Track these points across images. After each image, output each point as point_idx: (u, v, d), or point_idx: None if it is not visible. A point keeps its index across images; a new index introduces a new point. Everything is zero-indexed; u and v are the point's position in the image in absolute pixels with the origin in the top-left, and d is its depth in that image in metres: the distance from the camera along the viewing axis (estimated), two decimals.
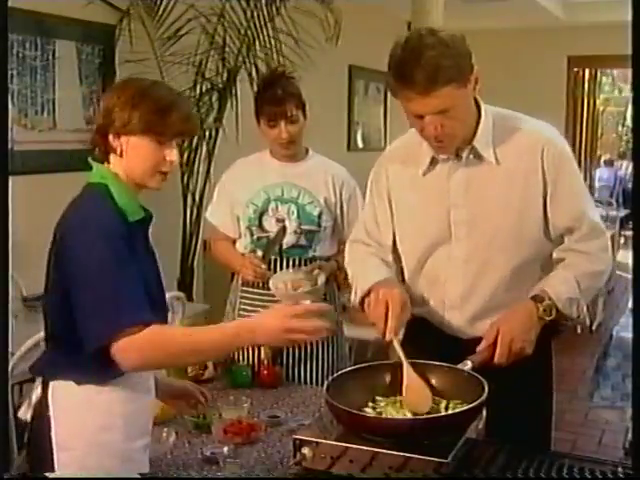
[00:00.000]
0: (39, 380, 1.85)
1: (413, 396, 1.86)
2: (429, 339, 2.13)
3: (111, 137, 1.81)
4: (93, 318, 1.70)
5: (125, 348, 1.68)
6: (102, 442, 1.79)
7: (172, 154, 1.83)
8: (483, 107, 2.07)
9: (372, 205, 2.28)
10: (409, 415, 1.80)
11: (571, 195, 2.06)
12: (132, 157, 1.81)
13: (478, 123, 2.05)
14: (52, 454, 1.77)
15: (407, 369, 1.90)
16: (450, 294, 2.13)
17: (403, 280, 2.23)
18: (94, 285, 1.71)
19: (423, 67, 1.86)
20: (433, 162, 2.10)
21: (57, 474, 1.76)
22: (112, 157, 1.83)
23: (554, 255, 2.12)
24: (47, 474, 1.75)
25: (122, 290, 1.72)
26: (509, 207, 2.04)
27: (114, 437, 1.80)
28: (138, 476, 1.84)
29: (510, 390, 1.96)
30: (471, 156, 2.06)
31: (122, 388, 1.80)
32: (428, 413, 1.80)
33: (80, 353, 1.74)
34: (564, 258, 2.09)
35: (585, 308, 2.07)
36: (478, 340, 2.01)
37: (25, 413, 1.88)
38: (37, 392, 1.84)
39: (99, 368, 1.75)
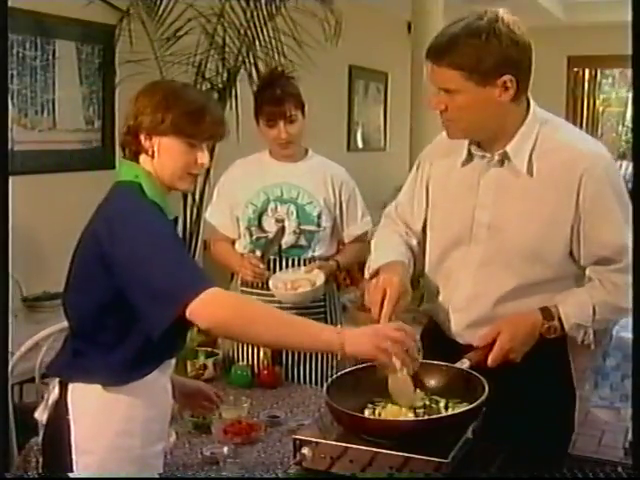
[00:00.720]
0: (55, 381, 1.83)
1: (396, 389, 1.83)
2: (433, 340, 2.12)
3: (142, 137, 1.81)
4: (165, 287, 1.65)
5: (208, 302, 1.62)
6: (121, 447, 1.79)
7: (203, 157, 1.84)
8: (532, 112, 1.98)
9: (411, 189, 2.25)
10: (410, 415, 1.79)
11: (611, 227, 1.94)
12: (163, 158, 1.82)
13: (520, 127, 1.96)
14: (70, 456, 1.76)
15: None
16: (458, 296, 2.10)
17: (420, 271, 2.22)
18: (159, 258, 1.68)
19: (447, 41, 1.86)
20: (470, 155, 2.04)
21: (77, 474, 1.76)
22: (142, 157, 1.84)
23: (587, 273, 2.02)
24: (70, 474, 1.75)
25: (185, 259, 1.72)
26: (533, 221, 1.96)
27: (133, 442, 1.80)
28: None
29: (524, 392, 1.97)
30: (505, 160, 1.99)
31: (143, 392, 1.80)
32: (428, 413, 1.79)
33: (106, 354, 1.75)
34: (592, 279, 2.00)
35: (592, 335, 2.00)
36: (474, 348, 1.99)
37: (41, 414, 1.86)
38: (54, 393, 1.82)
39: (123, 371, 1.75)
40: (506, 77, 1.86)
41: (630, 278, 1.85)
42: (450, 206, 2.10)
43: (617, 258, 1.95)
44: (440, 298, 2.15)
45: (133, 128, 1.82)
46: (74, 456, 1.76)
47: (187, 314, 1.62)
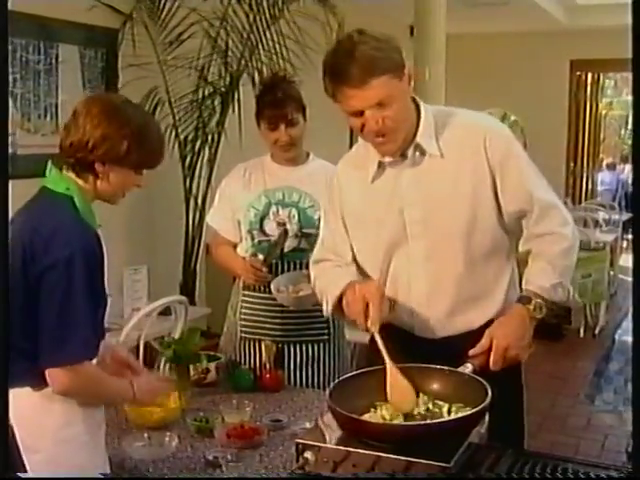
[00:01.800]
0: None
1: (397, 395, 1.86)
2: (398, 344, 2.02)
3: (97, 164, 1.87)
4: (56, 343, 1.80)
5: (58, 375, 1.80)
6: (66, 438, 1.85)
7: (142, 180, 1.96)
8: (422, 105, 2.10)
9: (328, 222, 2.30)
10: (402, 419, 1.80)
11: (518, 179, 2.07)
12: (110, 182, 1.90)
13: (419, 121, 2.06)
14: (21, 458, 1.80)
15: (390, 368, 1.90)
16: (416, 293, 2.13)
17: None
18: (65, 316, 1.79)
19: (357, 60, 1.91)
20: (381, 167, 2.11)
21: (30, 474, 1.80)
22: (86, 174, 1.89)
23: (520, 249, 2.14)
24: (20, 474, 1.78)
25: (84, 326, 1.81)
26: (460, 200, 2.06)
27: (77, 431, 1.87)
28: (107, 468, 1.94)
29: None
30: (417, 153, 2.07)
31: None
32: (431, 417, 1.80)
33: (29, 360, 1.81)
34: (530, 249, 2.11)
35: (571, 289, 2.09)
36: (450, 339, 2.07)
37: None
38: None
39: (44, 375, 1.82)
40: (407, 65, 1.99)
41: (549, 223, 2.06)
42: (375, 220, 2.14)
43: (528, 207, 2.07)
44: (397, 302, 2.15)
45: (90, 150, 1.86)
46: (24, 457, 1.80)
47: (51, 373, 1.80)
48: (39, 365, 1.81)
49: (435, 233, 2.08)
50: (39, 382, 1.83)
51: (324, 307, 2.19)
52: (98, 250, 1.86)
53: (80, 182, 1.89)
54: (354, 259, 2.23)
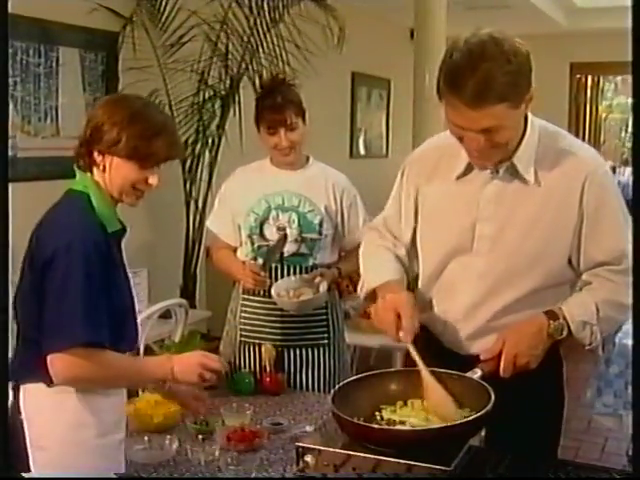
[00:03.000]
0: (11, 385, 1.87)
1: (440, 406, 1.83)
2: (428, 351, 2.03)
3: (96, 153, 1.87)
4: (54, 329, 1.78)
5: (61, 361, 1.77)
6: (75, 440, 1.84)
7: (154, 178, 1.91)
8: (530, 121, 1.96)
9: (398, 199, 2.22)
10: (434, 419, 1.80)
11: (612, 232, 1.96)
12: (113, 175, 1.88)
13: (522, 138, 1.95)
14: (26, 455, 1.81)
15: (426, 376, 1.89)
16: (457, 306, 2.09)
17: (414, 283, 2.20)
18: (62, 300, 1.78)
19: (477, 78, 1.73)
20: (469, 168, 2.01)
21: (34, 474, 1.81)
22: (94, 169, 1.90)
23: (582, 277, 2.03)
24: (24, 474, 1.80)
25: (85, 310, 1.78)
26: (537, 230, 1.97)
27: (88, 434, 1.85)
28: (113, 475, 1.90)
29: (517, 398, 1.93)
30: (510, 171, 1.97)
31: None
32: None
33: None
34: (591, 282, 2.01)
35: (599, 337, 1.97)
36: (476, 358, 1.98)
37: None
38: (10, 397, 1.86)
39: None
40: (531, 89, 1.83)
41: (629, 279, 1.83)
42: (447, 220, 2.08)
43: (616, 262, 1.97)
44: (437, 309, 2.13)
45: (88, 143, 1.88)
46: (30, 454, 1.81)
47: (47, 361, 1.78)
48: (44, 355, 1.80)
49: (500, 254, 2.00)
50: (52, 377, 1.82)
51: (359, 289, 2.19)
52: (103, 245, 1.85)
53: (97, 179, 1.90)
54: (412, 243, 2.19)
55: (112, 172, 1.88)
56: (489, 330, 2.03)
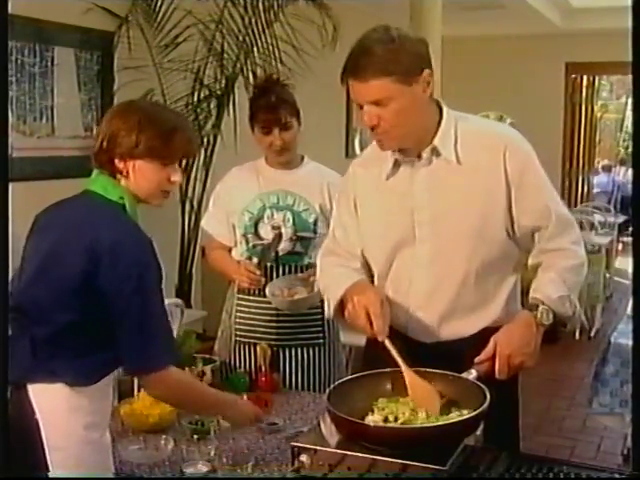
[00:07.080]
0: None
1: (422, 399, 1.86)
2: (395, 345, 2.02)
3: (117, 160, 1.89)
4: (138, 351, 1.84)
5: (160, 381, 1.88)
6: (90, 439, 1.85)
7: (176, 175, 1.95)
8: (445, 110, 2.09)
9: (340, 214, 2.30)
10: (423, 414, 1.81)
11: (536, 194, 2.07)
12: (138, 179, 1.90)
13: (439, 125, 2.06)
14: (44, 454, 1.80)
15: (407, 372, 1.90)
16: (415, 294, 2.13)
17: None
18: (143, 322, 1.83)
19: (364, 54, 1.93)
20: (396, 165, 2.11)
21: (59, 474, 1.81)
22: (118, 175, 1.91)
23: (530, 262, 2.14)
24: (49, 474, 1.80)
25: (163, 333, 1.89)
26: (471, 207, 2.05)
27: (98, 434, 1.88)
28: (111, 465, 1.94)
29: None
30: (433, 157, 2.07)
31: (102, 386, 1.87)
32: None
33: (75, 358, 1.81)
34: (541, 261, 2.11)
35: (577, 304, 2.09)
36: (443, 344, 2.07)
37: None
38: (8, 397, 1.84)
39: (92, 373, 1.84)
40: (426, 72, 1.98)
41: (565, 239, 2.08)
42: (385, 217, 2.15)
43: (545, 223, 2.08)
44: (396, 302, 2.16)
45: (108, 151, 1.89)
46: (47, 454, 1.80)
47: (141, 380, 1.93)
48: (127, 372, 1.96)
49: (442, 237, 2.08)
50: (77, 379, 1.82)
51: (326, 309, 2.20)
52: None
53: (126, 187, 1.92)
54: (362, 254, 2.23)
55: (136, 176, 1.90)
56: (454, 311, 2.11)
